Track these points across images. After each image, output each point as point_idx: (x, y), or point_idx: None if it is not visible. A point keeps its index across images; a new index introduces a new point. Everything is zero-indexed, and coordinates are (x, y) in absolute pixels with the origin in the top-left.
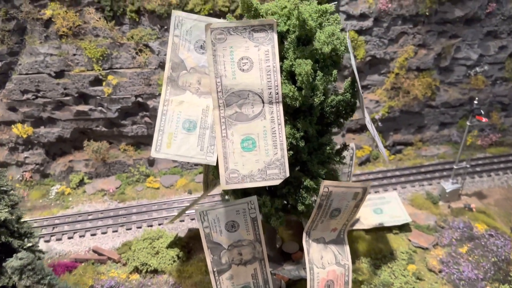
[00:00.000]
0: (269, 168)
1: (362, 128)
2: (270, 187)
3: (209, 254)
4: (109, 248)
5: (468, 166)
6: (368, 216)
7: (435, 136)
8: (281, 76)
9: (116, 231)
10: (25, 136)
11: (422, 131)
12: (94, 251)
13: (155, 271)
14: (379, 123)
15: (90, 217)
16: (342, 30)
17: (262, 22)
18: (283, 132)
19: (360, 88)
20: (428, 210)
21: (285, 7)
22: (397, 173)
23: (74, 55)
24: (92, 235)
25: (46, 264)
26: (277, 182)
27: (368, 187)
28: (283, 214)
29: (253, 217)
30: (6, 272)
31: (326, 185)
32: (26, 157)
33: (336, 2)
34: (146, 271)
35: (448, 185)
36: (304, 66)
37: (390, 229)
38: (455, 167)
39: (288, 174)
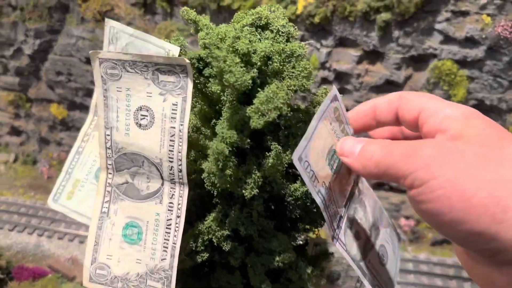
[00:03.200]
0: (151, 277)
1: None
2: (203, 275)
3: None
4: None
5: None
6: None
7: None
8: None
9: None
10: (60, 117)
11: None
12: (72, 262)
13: None
14: None
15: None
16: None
17: (170, 60)
18: (180, 230)
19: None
20: None
21: (226, 36)
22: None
23: (103, 42)
24: (80, 242)
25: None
26: None
27: None
28: None
29: None
30: None
31: None
32: (62, 138)
33: (311, 42)
34: None
35: None
36: (216, 143)
37: None
38: None
39: None
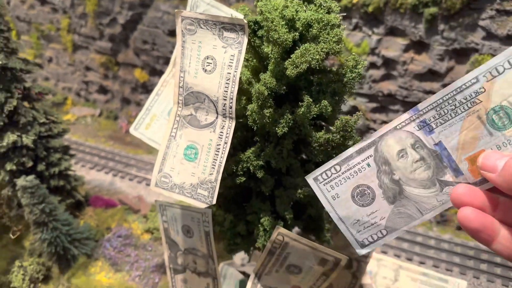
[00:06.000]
0: (201, 186)
1: None
2: (242, 203)
3: (167, 249)
4: (152, 201)
5: None
6: None
7: None
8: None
9: None
10: (142, 81)
11: None
12: (138, 199)
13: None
14: None
15: None
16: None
17: (232, 20)
18: (225, 153)
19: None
20: None
21: (278, 8)
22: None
23: None
24: (147, 184)
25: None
26: (202, 205)
27: (343, 259)
28: (242, 242)
29: (207, 231)
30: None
31: (280, 232)
32: (141, 99)
33: (344, 14)
34: (156, 236)
35: None
36: (259, 85)
37: None
38: None
39: (214, 202)
